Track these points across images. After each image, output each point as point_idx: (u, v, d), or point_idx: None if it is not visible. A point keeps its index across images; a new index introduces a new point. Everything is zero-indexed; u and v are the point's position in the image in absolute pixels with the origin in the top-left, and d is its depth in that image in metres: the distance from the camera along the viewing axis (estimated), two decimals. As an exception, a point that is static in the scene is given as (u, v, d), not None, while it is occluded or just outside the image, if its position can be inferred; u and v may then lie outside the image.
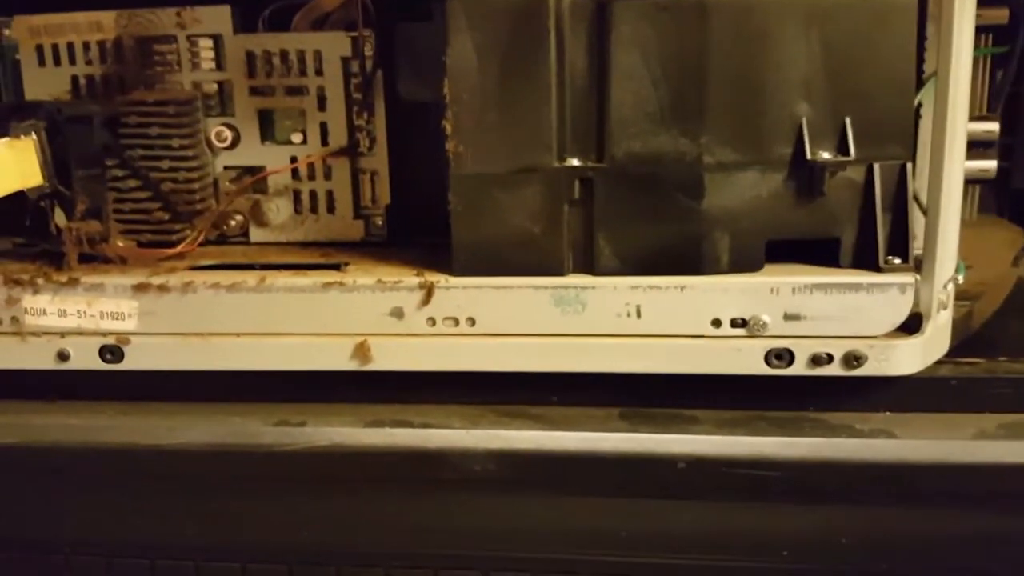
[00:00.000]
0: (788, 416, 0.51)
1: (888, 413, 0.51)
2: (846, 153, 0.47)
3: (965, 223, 0.74)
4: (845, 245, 0.49)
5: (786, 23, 0.47)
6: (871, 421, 0.50)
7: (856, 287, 0.48)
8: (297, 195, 0.61)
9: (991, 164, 0.59)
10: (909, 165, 0.48)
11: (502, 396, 0.53)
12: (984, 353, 0.54)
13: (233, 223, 0.61)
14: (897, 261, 0.49)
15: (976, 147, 0.60)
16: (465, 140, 0.48)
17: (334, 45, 0.58)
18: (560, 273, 0.50)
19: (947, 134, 0.47)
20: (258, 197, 0.61)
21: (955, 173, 0.48)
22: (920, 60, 0.50)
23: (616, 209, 0.49)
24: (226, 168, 0.61)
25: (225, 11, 0.59)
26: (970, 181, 0.61)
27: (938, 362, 0.51)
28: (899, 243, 0.49)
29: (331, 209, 0.61)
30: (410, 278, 0.50)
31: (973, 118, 0.59)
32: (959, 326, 0.54)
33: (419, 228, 0.58)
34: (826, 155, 0.48)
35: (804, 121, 0.47)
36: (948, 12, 0.45)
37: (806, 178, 0.48)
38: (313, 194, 0.61)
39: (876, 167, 0.48)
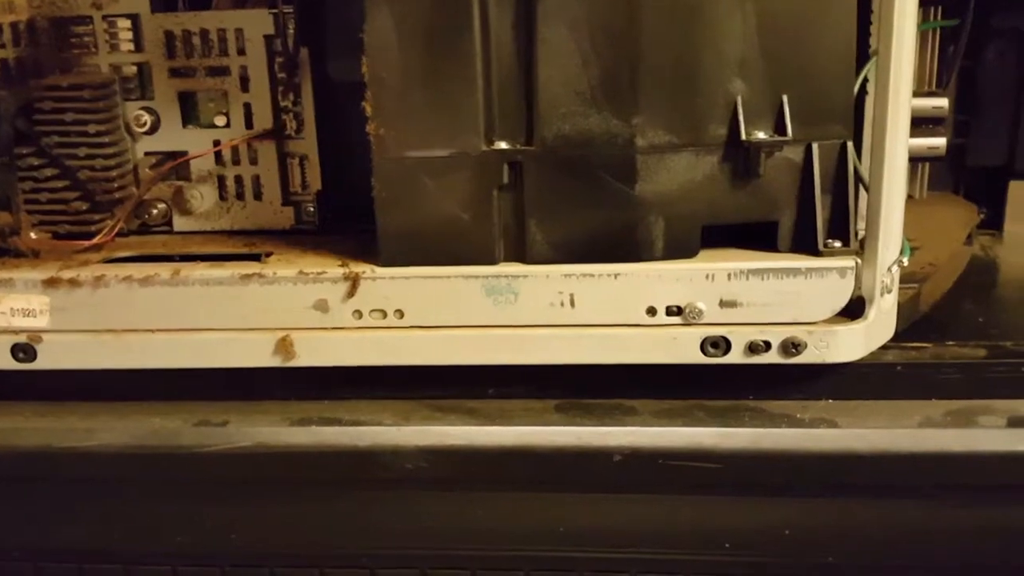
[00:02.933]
0: (727, 405, 0.49)
1: (831, 401, 0.50)
2: (783, 133, 0.46)
3: (917, 201, 0.75)
4: (784, 228, 0.48)
5: (721, -2, 0.45)
6: (812, 410, 0.49)
7: (794, 272, 0.46)
8: (222, 181, 0.58)
9: (940, 141, 0.58)
10: (850, 144, 0.46)
11: (436, 389, 0.51)
12: (932, 337, 0.52)
13: (155, 212, 0.58)
14: (837, 244, 0.47)
15: (925, 124, 0.58)
16: (386, 122, 0.46)
17: (256, 23, 0.55)
18: (491, 262, 0.48)
19: (889, 112, 0.45)
20: (181, 184, 0.58)
21: (898, 152, 0.46)
22: (865, 35, 0.49)
23: (547, 194, 0.47)
24: (147, 154, 0.58)
25: (141, -11, 0.56)
26: (919, 159, 0.59)
27: (884, 347, 0.50)
28: (840, 225, 0.47)
29: (258, 196, 0.58)
30: (334, 269, 0.48)
31: (921, 94, 0.58)
32: (906, 309, 0.53)
33: (353, 215, 0.56)
34: (762, 135, 0.46)
35: (739, 100, 0.45)
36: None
37: (742, 160, 0.46)
38: (239, 180, 0.58)
39: (815, 147, 0.46)
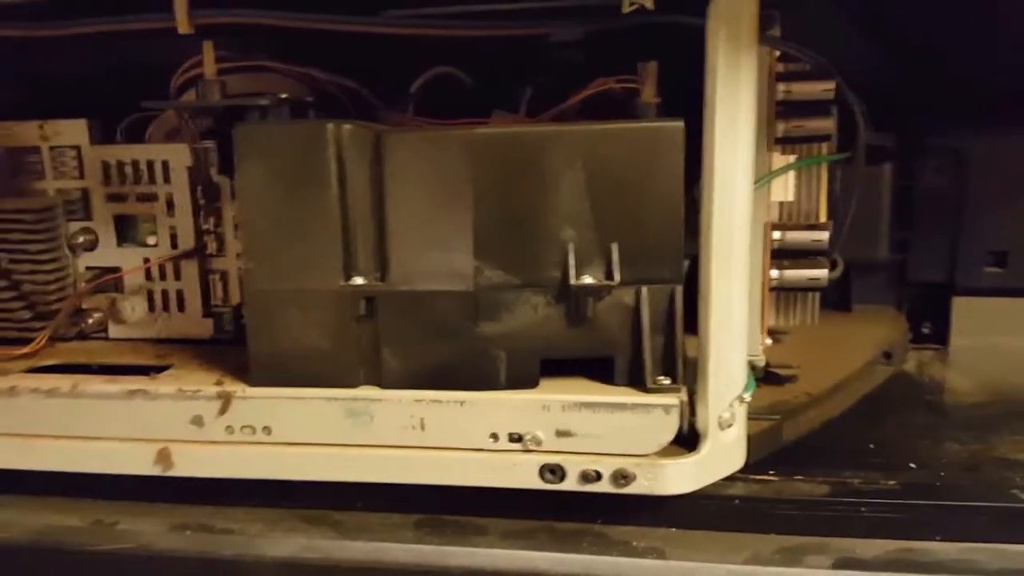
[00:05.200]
0: (575, 528, 0.52)
1: (673, 529, 0.51)
2: (612, 278, 0.49)
3: (841, 318, 0.76)
4: (619, 364, 0.50)
5: (551, 153, 0.49)
6: (650, 538, 0.50)
7: (621, 407, 0.49)
8: (151, 294, 0.64)
9: (821, 273, 0.59)
10: (678, 288, 0.49)
11: (310, 500, 0.54)
12: (785, 469, 0.54)
13: (91, 321, 0.65)
14: (667, 381, 0.49)
15: (809, 255, 0.60)
16: (255, 258, 0.51)
17: (179, 155, 0.62)
18: (353, 385, 0.52)
19: (713, 262, 0.48)
20: (115, 296, 0.65)
21: (733, 297, 0.49)
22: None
23: (399, 326, 0.51)
24: (88, 268, 0.65)
25: (82, 124, 0.63)
26: (802, 289, 0.61)
27: (731, 478, 0.52)
28: (669, 363, 0.50)
29: (182, 308, 0.64)
30: (209, 387, 0.53)
31: (802, 227, 0.60)
32: (766, 439, 0.55)
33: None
34: (591, 280, 0.49)
35: (571, 247, 0.49)
36: (709, 136, 0.47)
37: (574, 302, 0.49)
38: (165, 293, 0.64)
39: (644, 291, 0.49)
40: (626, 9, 0.46)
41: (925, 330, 0.83)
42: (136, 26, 0.53)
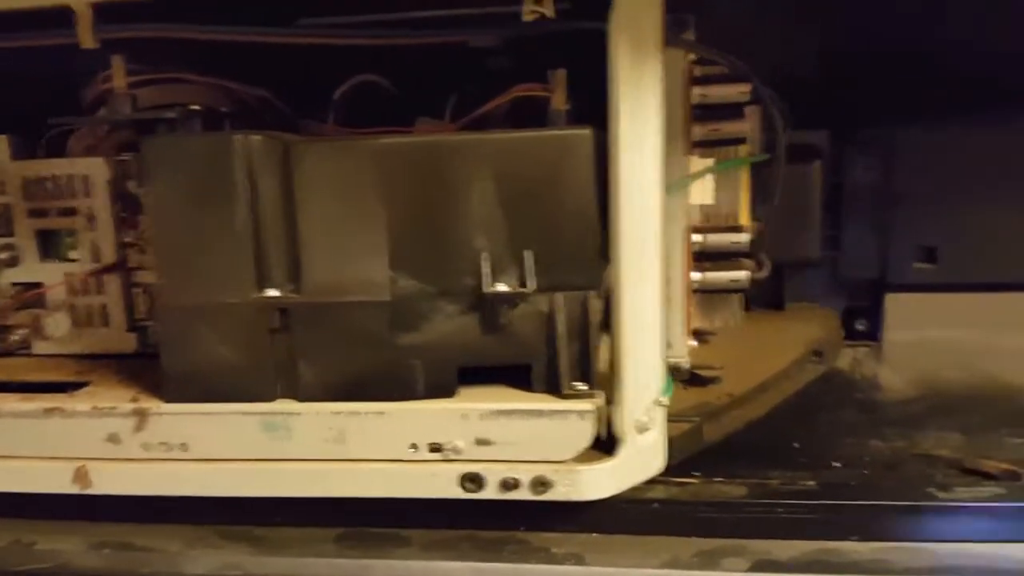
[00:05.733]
0: (498, 536, 0.52)
1: (594, 534, 0.51)
2: (525, 285, 0.49)
3: (768, 316, 0.76)
4: (537, 371, 0.50)
5: (460, 162, 0.48)
6: (570, 544, 0.51)
7: (537, 413, 0.49)
8: (74, 309, 0.63)
9: (742, 274, 0.60)
10: (592, 294, 0.49)
11: (231, 516, 0.54)
12: (708, 471, 0.54)
13: (15, 337, 0.64)
14: (584, 387, 0.50)
15: (730, 257, 0.61)
16: (167, 273, 0.51)
17: (100, 169, 0.61)
18: (269, 399, 0.51)
19: (623, 264, 0.48)
20: (39, 312, 0.64)
21: (647, 302, 0.49)
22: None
23: (314, 338, 0.51)
24: (11, 284, 0.64)
25: (2, 140, 0.62)
26: (724, 291, 0.61)
27: (652, 481, 0.52)
28: (585, 369, 0.50)
29: (105, 322, 0.63)
30: (124, 404, 0.52)
31: (722, 230, 0.61)
32: (687, 441, 0.55)
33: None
34: (505, 287, 0.49)
35: (484, 255, 0.49)
36: (614, 142, 0.47)
37: (490, 310, 0.49)
38: (89, 308, 0.63)
39: (559, 297, 0.49)
40: (527, 17, 0.46)
41: (859, 327, 0.84)
42: (44, 42, 0.52)
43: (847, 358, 0.80)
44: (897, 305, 0.83)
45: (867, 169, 0.81)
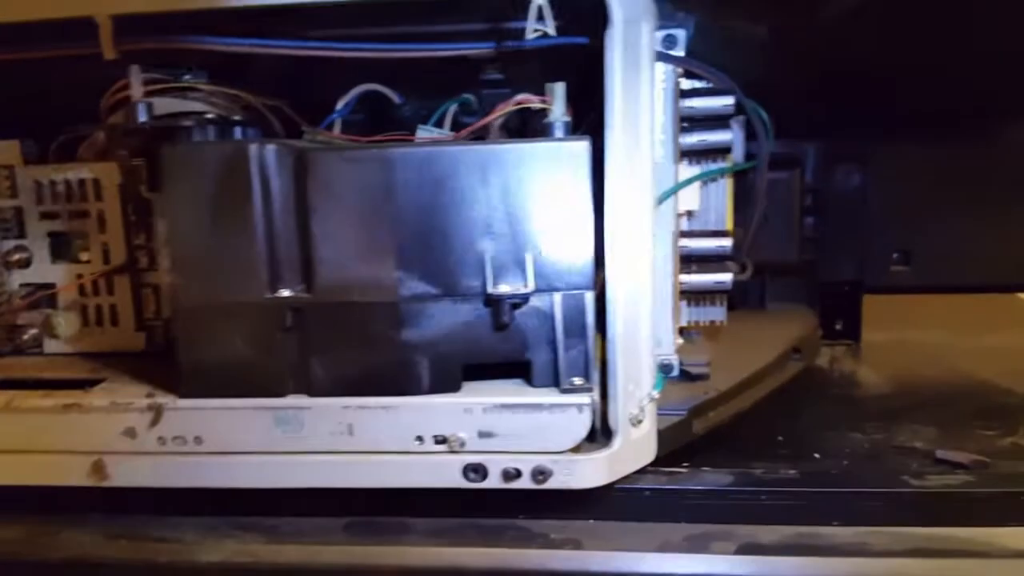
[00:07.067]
0: (498, 524, 0.54)
1: (591, 521, 0.54)
2: (526, 286, 0.51)
3: (752, 316, 0.80)
4: (537, 367, 0.53)
5: (464, 170, 0.51)
6: (568, 530, 0.53)
7: (538, 407, 0.52)
8: (84, 309, 0.66)
9: (726, 277, 0.63)
10: (588, 294, 0.52)
11: (242, 507, 0.56)
12: (698, 461, 0.57)
13: (26, 336, 0.66)
14: (581, 381, 0.52)
15: (715, 260, 0.64)
16: (183, 274, 0.53)
17: (110, 173, 0.63)
18: (281, 394, 0.54)
19: (616, 268, 0.51)
20: (49, 312, 0.66)
21: (639, 303, 0.52)
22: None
23: (326, 336, 0.53)
24: (22, 285, 0.66)
25: (14, 145, 0.64)
26: (709, 292, 0.64)
27: (643, 471, 0.55)
28: (581, 365, 0.53)
29: (115, 322, 0.65)
30: (141, 400, 0.54)
31: (707, 234, 0.64)
32: (677, 434, 0.58)
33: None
34: (507, 288, 0.52)
35: (488, 257, 0.52)
36: (609, 154, 0.50)
37: (493, 309, 0.52)
38: (99, 308, 0.65)
39: (557, 297, 0.52)
40: (530, 36, 0.49)
41: (838, 327, 0.88)
42: (65, 52, 0.54)
43: (826, 356, 0.84)
44: (874, 306, 0.87)
45: (846, 177, 0.84)
